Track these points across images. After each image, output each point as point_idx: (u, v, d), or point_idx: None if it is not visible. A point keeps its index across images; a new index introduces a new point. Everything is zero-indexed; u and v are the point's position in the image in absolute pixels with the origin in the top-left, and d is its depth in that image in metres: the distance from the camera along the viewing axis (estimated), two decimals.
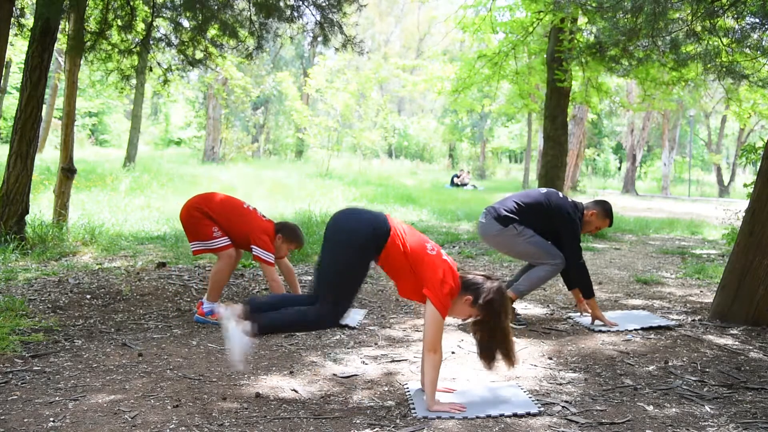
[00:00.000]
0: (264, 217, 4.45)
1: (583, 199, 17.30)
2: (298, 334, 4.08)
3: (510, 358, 2.91)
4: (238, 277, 5.75)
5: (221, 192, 4.66)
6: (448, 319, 4.51)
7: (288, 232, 4.44)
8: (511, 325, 4.18)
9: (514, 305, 4.45)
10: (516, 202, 4.46)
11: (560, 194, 4.53)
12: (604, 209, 4.50)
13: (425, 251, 2.91)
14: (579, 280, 4.40)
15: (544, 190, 4.60)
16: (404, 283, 2.96)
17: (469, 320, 3.00)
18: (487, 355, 2.92)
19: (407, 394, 3.07)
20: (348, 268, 2.91)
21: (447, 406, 2.86)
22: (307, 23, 6.82)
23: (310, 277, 5.87)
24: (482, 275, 2.97)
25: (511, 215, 4.39)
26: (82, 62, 7.11)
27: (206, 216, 4.28)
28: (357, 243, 2.88)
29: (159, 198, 11.48)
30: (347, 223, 2.96)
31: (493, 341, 2.89)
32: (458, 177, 23.70)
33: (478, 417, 2.81)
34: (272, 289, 4.27)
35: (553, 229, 4.44)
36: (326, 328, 3.05)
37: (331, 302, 2.90)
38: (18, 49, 14.15)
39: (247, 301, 3.02)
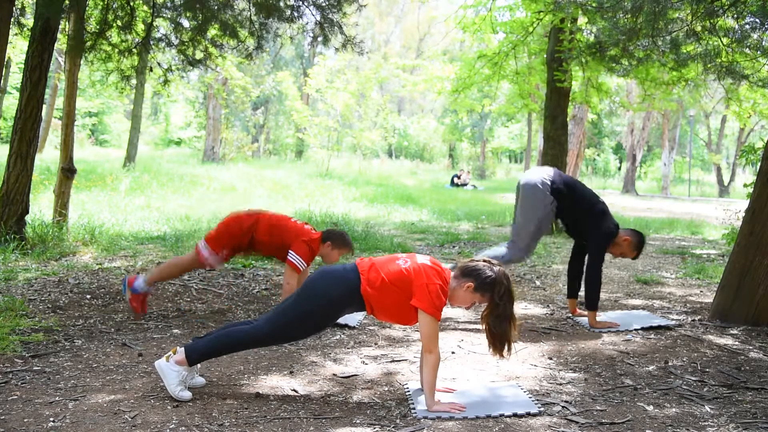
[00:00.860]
0: (313, 230, 4.51)
1: None
2: None
3: (510, 345, 2.90)
4: (238, 277, 5.75)
5: (265, 210, 4.66)
6: (450, 321, 4.52)
7: (337, 238, 4.46)
8: None
9: None
10: (576, 183, 4.48)
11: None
12: (638, 241, 4.48)
13: (400, 268, 2.91)
14: (589, 288, 4.38)
15: (603, 198, 4.65)
16: (403, 315, 2.95)
17: (473, 306, 2.99)
18: (498, 342, 2.89)
19: (407, 394, 3.07)
20: (310, 319, 2.93)
21: (447, 406, 2.86)
22: (307, 23, 6.82)
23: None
24: (483, 261, 2.96)
25: (560, 191, 4.37)
26: (82, 62, 7.11)
27: (242, 236, 4.34)
28: (323, 298, 2.91)
29: (159, 198, 11.48)
30: (319, 284, 2.96)
31: (502, 325, 2.86)
32: (458, 177, 23.70)
33: (478, 417, 2.81)
34: (285, 292, 4.28)
35: (584, 226, 4.44)
36: (255, 347, 3.13)
37: (273, 330, 2.93)
38: (18, 49, 14.14)
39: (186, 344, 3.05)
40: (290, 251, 4.29)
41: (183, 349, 2.95)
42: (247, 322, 3.06)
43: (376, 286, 2.89)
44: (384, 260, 3.00)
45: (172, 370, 2.90)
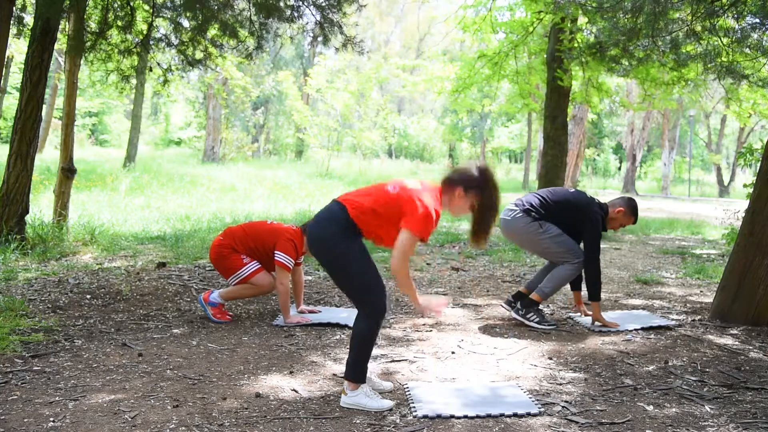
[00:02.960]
0: (292, 226, 4.55)
1: None
2: (299, 333, 4.08)
3: (488, 236, 2.96)
4: None
5: (235, 223, 4.71)
6: (448, 319, 4.52)
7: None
8: (541, 326, 4.26)
9: (540, 307, 4.50)
10: (541, 198, 4.47)
11: (587, 194, 4.58)
12: (631, 207, 4.50)
13: (388, 194, 2.91)
14: (590, 279, 4.38)
15: (572, 189, 4.65)
16: (390, 237, 2.91)
17: (473, 208, 2.97)
18: (482, 232, 2.96)
19: (407, 394, 3.07)
20: (348, 270, 2.90)
21: (433, 303, 2.92)
22: (307, 23, 6.82)
23: (310, 278, 5.87)
24: (460, 165, 3.01)
25: (535, 211, 4.40)
26: (82, 62, 7.11)
27: (233, 250, 4.41)
28: (335, 248, 2.88)
29: (159, 198, 11.48)
30: (316, 240, 2.94)
31: (489, 215, 2.92)
32: None
33: (478, 416, 2.81)
34: (279, 293, 4.29)
35: (577, 226, 4.43)
36: (380, 321, 2.95)
37: (362, 302, 2.90)
38: (18, 49, 14.14)
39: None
40: (276, 251, 4.30)
41: (345, 379, 2.93)
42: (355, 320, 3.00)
43: (366, 211, 2.88)
44: (370, 188, 3.00)
45: (355, 397, 2.88)
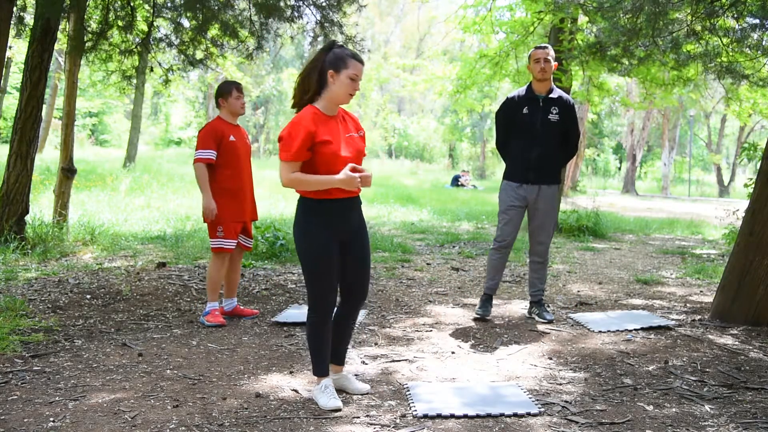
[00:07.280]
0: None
1: (583, 200, 16.99)
2: (299, 333, 4.09)
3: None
4: None
5: None
6: (448, 319, 4.52)
7: (221, 89, 4.52)
8: (539, 319, 4.47)
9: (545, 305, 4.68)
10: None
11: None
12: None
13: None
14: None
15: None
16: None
17: (358, 85, 2.99)
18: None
19: (407, 393, 3.07)
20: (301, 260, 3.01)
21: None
22: (307, 23, 6.83)
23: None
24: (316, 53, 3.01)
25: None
26: (82, 62, 7.11)
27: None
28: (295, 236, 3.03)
29: (159, 198, 11.48)
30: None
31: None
32: (461, 177, 23.69)
33: (478, 416, 2.81)
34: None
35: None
36: (321, 318, 2.96)
37: (309, 298, 3.00)
38: (18, 49, 14.15)
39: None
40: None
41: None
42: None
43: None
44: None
45: (314, 390, 2.98)
